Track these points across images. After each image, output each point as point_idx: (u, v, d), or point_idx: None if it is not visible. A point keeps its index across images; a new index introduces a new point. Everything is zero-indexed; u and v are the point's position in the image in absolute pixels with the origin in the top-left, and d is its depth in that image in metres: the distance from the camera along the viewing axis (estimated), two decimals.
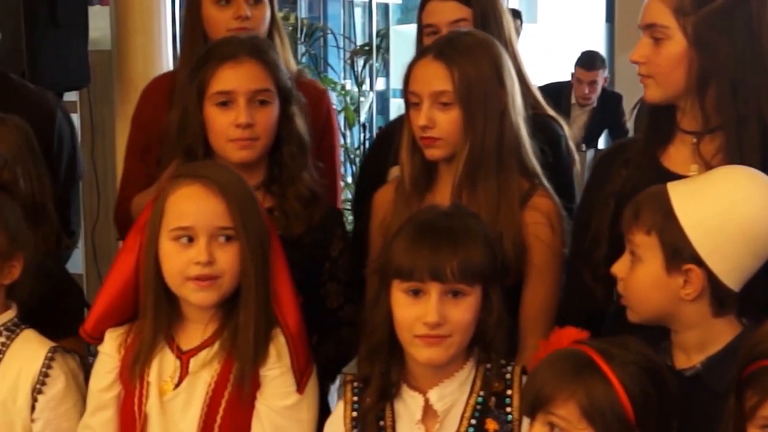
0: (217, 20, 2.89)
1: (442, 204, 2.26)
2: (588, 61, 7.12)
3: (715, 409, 1.84)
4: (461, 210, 2.15)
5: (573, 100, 7.17)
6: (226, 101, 2.41)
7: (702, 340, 1.98)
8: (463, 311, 2.01)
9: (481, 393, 2.05)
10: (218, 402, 2.15)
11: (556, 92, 6.96)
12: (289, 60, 2.94)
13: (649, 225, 1.96)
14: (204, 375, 2.16)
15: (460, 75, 2.34)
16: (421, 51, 2.46)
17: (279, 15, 2.97)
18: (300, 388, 2.16)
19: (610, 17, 8.37)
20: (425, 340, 1.99)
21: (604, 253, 2.20)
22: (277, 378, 2.16)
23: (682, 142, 2.22)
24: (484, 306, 2.04)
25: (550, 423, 1.81)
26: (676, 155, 2.22)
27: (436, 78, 2.35)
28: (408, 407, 2.07)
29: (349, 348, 2.43)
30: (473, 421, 2.03)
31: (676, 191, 1.99)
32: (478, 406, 2.04)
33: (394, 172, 2.76)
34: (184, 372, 2.17)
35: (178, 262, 2.13)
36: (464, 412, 2.04)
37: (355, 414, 2.10)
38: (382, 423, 2.07)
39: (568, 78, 7.25)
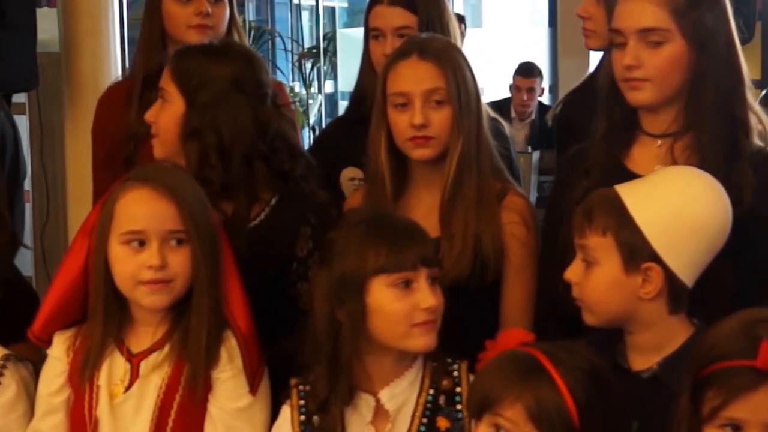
0: (177, 16, 2.90)
1: (387, 206, 2.34)
2: (525, 69, 7.36)
3: (672, 408, 1.86)
4: (391, 209, 2.24)
5: (513, 114, 7.30)
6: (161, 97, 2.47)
7: (658, 340, 2.01)
8: (440, 296, 2.05)
9: (431, 391, 2.06)
10: (170, 405, 2.14)
11: (496, 110, 7.11)
12: None
13: (603, 227, 1.99)
14: (154, 378, 2.15)
15: (452, 73, 2.37)
16: (399, 53, 2.45)
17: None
18: (253, 389, 2.16)
19: (552, 22, 8.45)
20: (423, 327, 2.02)
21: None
22: (229, 380, 2.15)
23: (645, 144, 2.24)
24: None
25: (496, 425, 1.81)
26: (640, 157, 2.24)
27: (429, 76, 2.37)
28: (358, 409, 2.07)
29: None
30: (424, 420, 2.05)
31: (626, 192, 2.01)
32: (429, 405, 2.06)
33: (347, 173, 2.79)
34: (134, 375, 2.16)
35: (130, 266, 2.12)
36: (415, 410, 2.06)
37: (303, 417, 2.10)
38: None
39: (507, 86, 7.39)
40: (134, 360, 2.18)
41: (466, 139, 2.37)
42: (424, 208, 2.40)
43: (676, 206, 2.00)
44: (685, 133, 2.19)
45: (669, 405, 1.86)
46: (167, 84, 2.44)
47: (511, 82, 7.36)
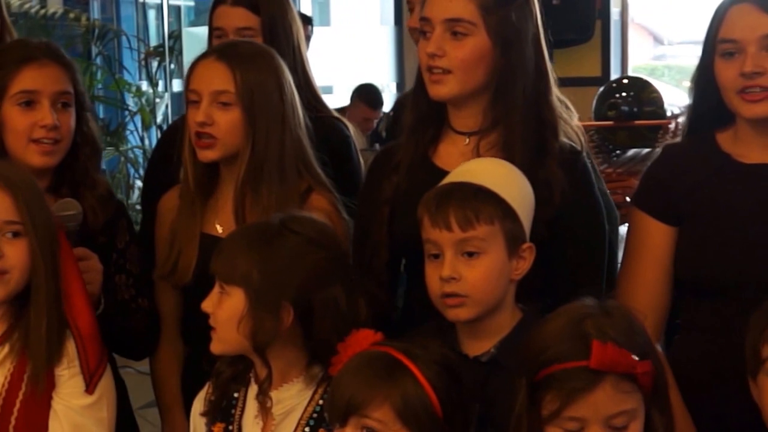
0: None
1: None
2: (374, 100, 7.55)
3: (512, 388, 1.90)
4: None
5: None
6: (29, 101, 2.39)
7: (500, 323, 2.05)
8: None
9: (320, 402, 2.06)
10: (12, 401, 2.13)
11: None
12: None
13: (490, 216, 2.01)
14: None
15: (242, 77, 2.37)
16: (204, 52, 2.48)
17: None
18: (89, 388, 2.16)
19: (398, 20, 8.57)
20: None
21: (385, 259, 2.26)
22: (73, 378, 2.15)
23: (452, 141, 2.27)
24: None
25: (364, 426, 1.83)
26: (447, 153, 2.26)
27: (218, 77, 2.38)
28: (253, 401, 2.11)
29: (140, 335, 2.52)
30: (307, 429, 2.06)
31: (486, 181, 2.04)
32: (315, 414, 2.06)
33: None
34: None
35: None
36: (301, 419, 2.06)
37: (213, 398, 2.14)
38: (233, 411, 2.12)
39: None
40: None
41: (260, 145, 2.38)
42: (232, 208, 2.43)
43: (522, 188, 2.08)
44: (491, 130, 2.22)
45: (508, 386, 1.90)
46: (70, 88, 2.46)
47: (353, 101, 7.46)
